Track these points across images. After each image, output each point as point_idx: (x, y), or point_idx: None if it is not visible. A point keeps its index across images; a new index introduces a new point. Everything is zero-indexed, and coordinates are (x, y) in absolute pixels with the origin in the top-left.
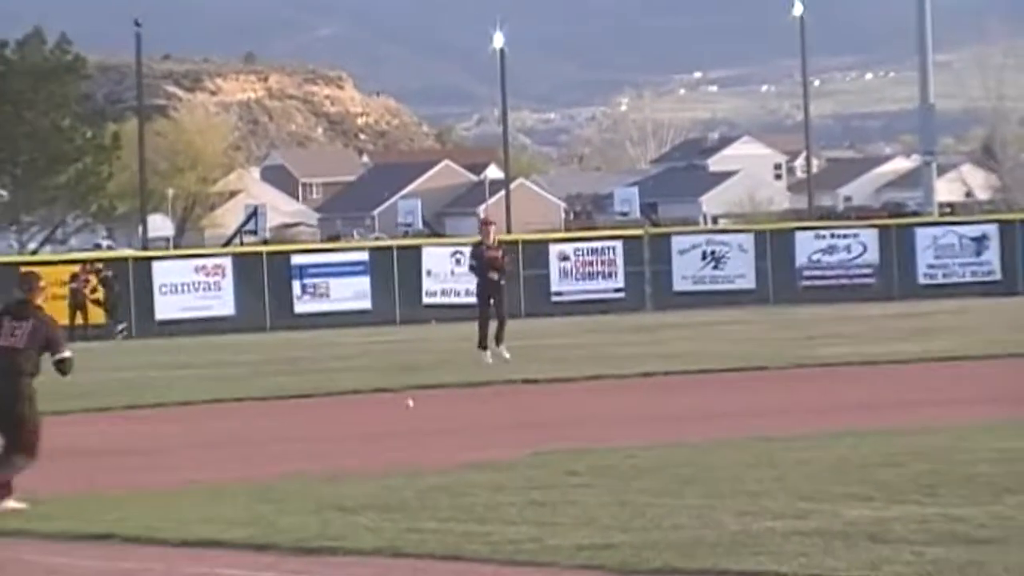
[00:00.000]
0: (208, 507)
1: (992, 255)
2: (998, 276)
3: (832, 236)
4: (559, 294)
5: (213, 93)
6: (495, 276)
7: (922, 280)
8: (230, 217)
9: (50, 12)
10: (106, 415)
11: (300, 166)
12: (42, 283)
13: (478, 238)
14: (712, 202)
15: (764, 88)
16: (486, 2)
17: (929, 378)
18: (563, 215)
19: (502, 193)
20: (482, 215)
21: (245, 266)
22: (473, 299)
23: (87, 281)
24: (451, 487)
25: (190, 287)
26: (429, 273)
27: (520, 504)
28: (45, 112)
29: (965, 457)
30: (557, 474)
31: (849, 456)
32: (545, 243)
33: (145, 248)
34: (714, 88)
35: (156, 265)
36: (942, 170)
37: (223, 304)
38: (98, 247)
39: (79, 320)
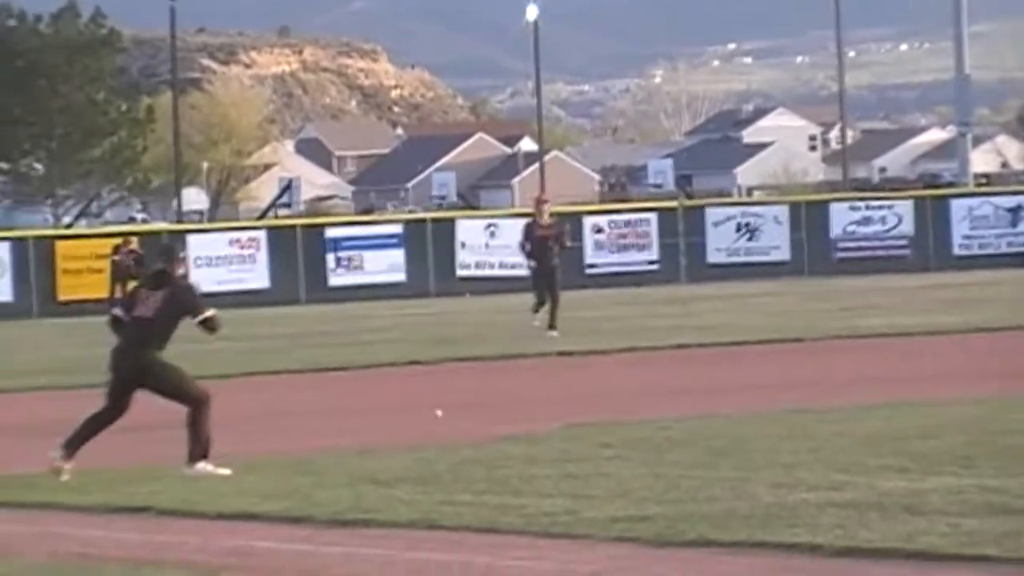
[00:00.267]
0: (243, 480)
1: None
2: None
3: (867, 207)
4: (593, 266)
5: (247, 66)
6: (532, 262)
7: (957, 251)
8: (264, 190)
9: None
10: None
11: (334, 139)
12: (182, 255)
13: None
14: (747, 174)
15: (799, 59)
16: None
17: (965, 350)
18: (597, 187)
19: (536, 166)
20: (513, 185)
21: (279, 239)
22: (506, 271)
23: (131, 252)
24: (486, 460)
25: (225, 260)
26: (463, 245)
27: (555, 476)
28: (80, 86)
29: (1001, 428)
30: (591, 446)
31: (884, 428)
32: (579, 215)
33: (180, 221)
34: (748, 59)
35: (191, 238)
36: (977, 141)
37: (258, 277)
38: (133, 220)
39: (118, 293)
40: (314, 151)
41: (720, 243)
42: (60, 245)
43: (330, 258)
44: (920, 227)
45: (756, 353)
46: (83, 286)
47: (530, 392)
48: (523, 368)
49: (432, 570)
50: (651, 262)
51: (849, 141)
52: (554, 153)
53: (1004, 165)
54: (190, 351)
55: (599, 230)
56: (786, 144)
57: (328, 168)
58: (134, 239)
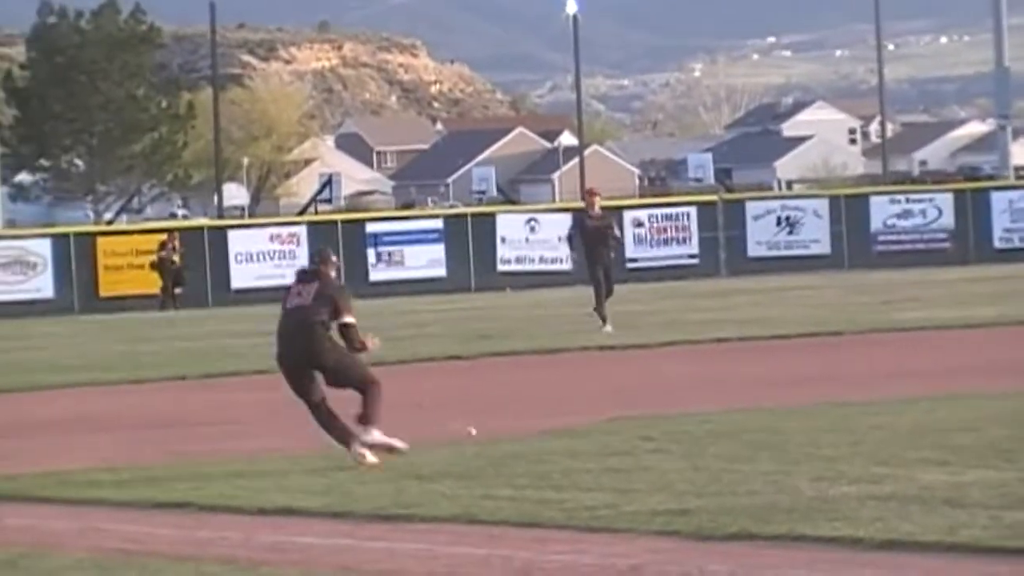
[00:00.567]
0: (284, 475)
1: None
2: None
3: (907, 201)
4: (633, 260)
5: (287, 62)
6: (574, 254)
7: (998, 244)
8: (305, 186)
9: None
10: (182, 384)
11: (374, 134)
12: (334, 257)
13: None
14: (786, 167)
15: (838, 52)
16: None
17: (1005, 343)
18: (637, 181)
19: (576, 160)
20: (553, 179)
21: (320, 234)
22: (547, 266)
23: (174, 249)
24: (526, 454)
25: (265, 256)
26: (504, 240)
27: (596, 471)
28: (120, 82)
29: None
30: (632, 440)
31: (925, 421)
32: (619, 209)
33: (220, 217)
34: (788, 53)
35: (231, 234)
36: (1017, 133)
37: None
38: (173, 216)
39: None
40: (354, 146)
41: (760, 237)
42: (101, 241)
43: (371, 253)
44: (960, 220)
45: (796, 347)
46: (124, 282)
47: (571, 386)
48: (564, 362)
49: (473, 565)
50: (691, 256)
51: (889, 134)
52: (593, 147)
53: None
54: (234, 347)
55: (639, 224)
56: (826, 137)
57: (368, 163)
58: (176, 234)
